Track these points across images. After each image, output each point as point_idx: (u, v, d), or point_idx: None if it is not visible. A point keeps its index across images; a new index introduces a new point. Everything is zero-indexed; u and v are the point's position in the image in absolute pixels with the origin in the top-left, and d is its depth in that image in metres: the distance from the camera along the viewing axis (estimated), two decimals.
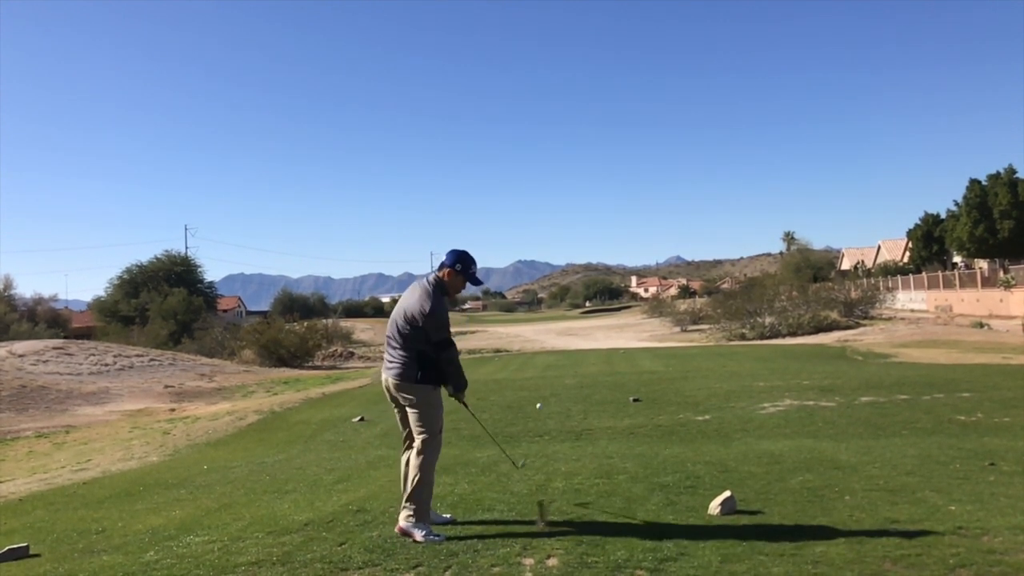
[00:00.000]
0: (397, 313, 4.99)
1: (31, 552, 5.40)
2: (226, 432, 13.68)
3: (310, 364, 36.93)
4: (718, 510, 5.03)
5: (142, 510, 6.73)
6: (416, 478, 4.81)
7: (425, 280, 4.99)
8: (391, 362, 4.97)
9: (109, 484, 8.83)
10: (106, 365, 30.18)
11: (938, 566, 3.79)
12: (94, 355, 31.66)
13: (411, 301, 4.91)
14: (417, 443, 4.89)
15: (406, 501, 4.82)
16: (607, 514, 5.10)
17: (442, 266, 5.01)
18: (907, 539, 4.24)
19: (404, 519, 4.79)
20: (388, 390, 5.04)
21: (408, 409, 4.97)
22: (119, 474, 9.88)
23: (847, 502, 5.20)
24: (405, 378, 4.88)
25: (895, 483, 5.72)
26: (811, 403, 11.15)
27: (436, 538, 4.67)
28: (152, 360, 32.33)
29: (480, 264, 5.11)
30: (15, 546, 5.40)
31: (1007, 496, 5.20)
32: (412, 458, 4.89)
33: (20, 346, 31.40)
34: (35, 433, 16.67)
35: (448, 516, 5.17)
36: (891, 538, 4.28)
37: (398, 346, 4.94)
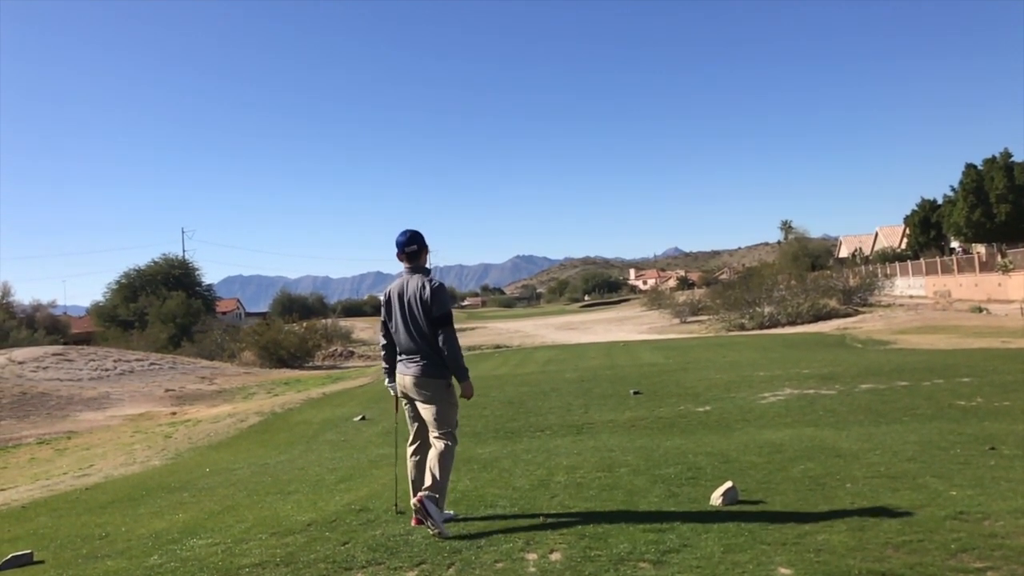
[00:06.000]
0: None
1: (35, 559, 5.40)
2: (227, 434, 13.70)
3: (310, 364, 36.97)
4: (720, 500, 5.03)
5: (145, 514, 6.74)
6: (443, 469, 4.87)
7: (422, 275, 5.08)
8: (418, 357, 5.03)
9: (112, 489, 8.84)
10: (106, 370, 30.19)
11: (940, 551, 3.79)
12: (94, 360, 31.66)
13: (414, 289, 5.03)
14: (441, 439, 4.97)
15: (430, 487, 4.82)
16: (609, 507, 5.11)
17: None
18: (909, 525, 4.25)
19: (426, 496, 4.78)
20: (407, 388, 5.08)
21: (428, 405, 5.02)
22: (121, 479, 9.88)
23: (848, 490, 5.20)
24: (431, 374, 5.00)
25: (896, 470, 5.73)
26: (811, 391, 11.17)
27: (448, 522, 4.78)
28: (152, 364, 32.35)
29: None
30: (18, 553, 5.40)
31: (1007, 480, 5.20)
32: (434, 453, 4.92)
33: (19, 353, 31.40)
34: (36, 440, 16.68)
35: (450, 512, 5.17)
36: (893, 524, 4.29)
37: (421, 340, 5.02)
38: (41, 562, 5.34)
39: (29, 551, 5.48)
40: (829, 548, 3.94)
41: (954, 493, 4.90)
